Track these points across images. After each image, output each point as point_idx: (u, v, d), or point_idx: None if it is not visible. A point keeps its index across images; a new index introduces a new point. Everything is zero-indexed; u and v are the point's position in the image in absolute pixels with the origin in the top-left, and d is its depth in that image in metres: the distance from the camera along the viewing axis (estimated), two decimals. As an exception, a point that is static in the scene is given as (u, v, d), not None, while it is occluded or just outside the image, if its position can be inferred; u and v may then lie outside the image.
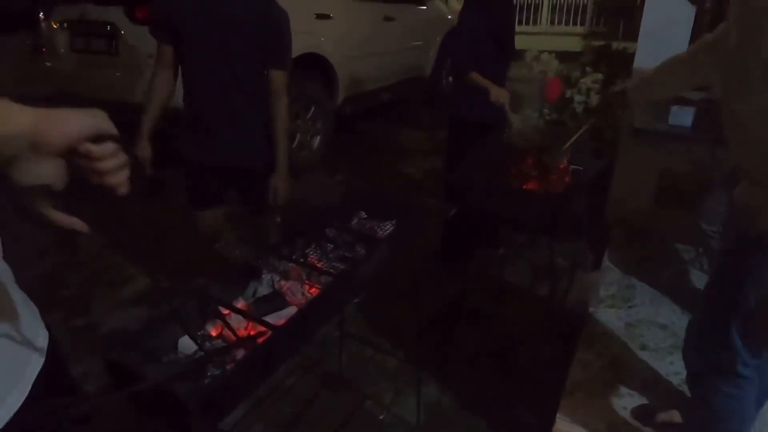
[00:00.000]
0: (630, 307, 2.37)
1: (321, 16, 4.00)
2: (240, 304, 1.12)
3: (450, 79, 6.15)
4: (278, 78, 1.85)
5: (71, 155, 0.54)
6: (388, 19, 4.79)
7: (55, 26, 3.81)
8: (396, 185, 3.88)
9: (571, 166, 2.19)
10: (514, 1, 2.62)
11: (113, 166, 0.56)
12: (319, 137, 4.22)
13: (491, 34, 2.34)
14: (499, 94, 2.22)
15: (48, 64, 3.94)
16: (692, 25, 2.69)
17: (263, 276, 1.21)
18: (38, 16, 3.93)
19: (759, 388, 1.28)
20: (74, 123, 0.53)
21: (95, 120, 0.55)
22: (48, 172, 0.53)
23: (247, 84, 1.81)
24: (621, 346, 2.05)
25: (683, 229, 2.63)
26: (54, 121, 0.52)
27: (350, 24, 4.32)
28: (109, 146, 0.55)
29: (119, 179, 0.58)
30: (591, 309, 2.34)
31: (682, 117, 2.26)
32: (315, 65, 4.03)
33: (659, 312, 2.32)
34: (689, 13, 2.62)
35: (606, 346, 2.05)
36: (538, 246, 2.51)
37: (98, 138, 0.54)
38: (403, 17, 4.97)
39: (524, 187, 1.91)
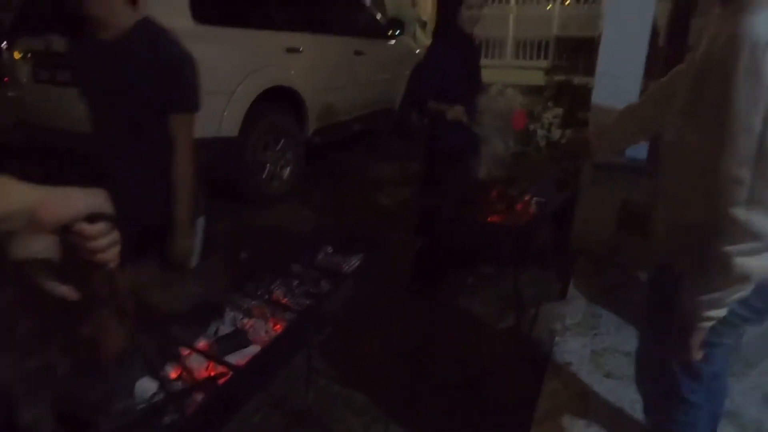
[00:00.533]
0: (595, 335, 2.41)
1: (291, 50, 4.07)
2: (201, 343, 1.10)
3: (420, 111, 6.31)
4: (178, 122, 1.69)
5: (64, 232, 0.55)
6: (358, 53, 4.89)
7: (18, 57, 3.76)
8: (367, 216, 3.89)
9: (535, 199, 2.25)
10: (479, 39, 2.73)
11: (103, 245, 0.57)
12: (289, 168, 4.23)
13: (457, 69, 2.42)
14: (454, 112, 2.29)
15: (10, 94, 3.87)
16: (644, 62, 2.85)
17: (226, 314, 1.19)
18: (1, 46, 3.88)
19: (710, 414, 1.32)
20: (74, 202, 0.54)
21: (94, 200, 0.56)
22: (43, 246, 0.54)
23: (147, 132, 1.67)
24: (587, 375, 2.08)
25: (645, 257, 2.72)
26: (54, 199, 0.53)
27: (320, 58, 4.40)
28: (101, 226, 0.56)
29: (108, 256, 0.59)
30: (557, 338, 2.37)
31: (638, 150, 2.36)
32: (285, 98, 4.07)
33: (624, 339, 2.37)
34: (643, 50, 2.77)
35: (573, 375, 2.07)
36: (506, 276, 2.55)
37: (93, 217, 0.55)
38: (372, 51, 5.09)
39: (490, 219, 1.95)
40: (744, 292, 0.99)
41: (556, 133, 2.85)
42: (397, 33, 5.56)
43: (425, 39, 9.38)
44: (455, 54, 2.43)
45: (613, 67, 2.79)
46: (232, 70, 3.59)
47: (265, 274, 1.33)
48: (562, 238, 2.69)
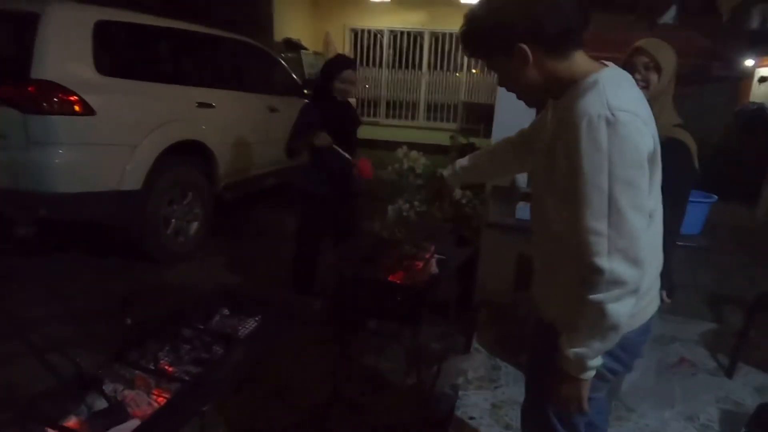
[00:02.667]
0: (496, 387, 2.50)
1: (203, 105, 4.04)
2: (71, 421, 1.01)
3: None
4: None
5: None
6: (272, 110, 4.96)
7: None
8: (275, 272, 3.83)
9: (437, 256, 2.36)
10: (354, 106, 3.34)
11: None
12: (197, 223, 4.09)
13: (324, 124, 2.79)
14: (320, 138, 2.68)
15: None
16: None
17: (105, 386, 1.11)
18: None
19: None
20: None
21: None
22: None
23: None
24: (488, 428, 2.13)
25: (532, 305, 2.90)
26: None
27: (233, 113, 4.40)
28: None
29: None
30: (461, 392, 2.43)
31: (526, 212, 2.57)
32: (195, 152, 4.00)
33: (521, 391, 2.47)
34: (531, 113, 3.06)
35: (475, 430, 2.12)
36: (409, 332, 2.59)
37: None
38: (287, 109, 5.17)
39: (391, 277, 2.01)
40: (617, 339, 1.08)
41: (458, 193, 3.04)
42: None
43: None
44: (325, 113, 2.85)
45: (505, 131, 3.06)
46: (138, 123, 3.49)
47: (152, 340, 1.26)
48: (465, 293, 2.81)
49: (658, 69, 1.85)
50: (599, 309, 1.03)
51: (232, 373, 1.22)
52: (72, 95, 3.08)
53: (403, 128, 10.28)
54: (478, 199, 3.10)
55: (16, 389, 2.26)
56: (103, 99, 3.25)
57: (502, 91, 3.39)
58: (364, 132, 9.88)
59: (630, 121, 0.99)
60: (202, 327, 1.34)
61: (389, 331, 2.67)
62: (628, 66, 1.86)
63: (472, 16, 1.13)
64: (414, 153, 3.25)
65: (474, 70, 10.34)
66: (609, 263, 1.00)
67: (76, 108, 3.11)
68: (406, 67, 10.47)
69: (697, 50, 2.20)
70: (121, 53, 3.58)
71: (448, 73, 10.39)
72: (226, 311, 1.44)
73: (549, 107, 1.23)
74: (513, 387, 2.51)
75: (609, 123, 0.98)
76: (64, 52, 3.16)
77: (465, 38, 1.16)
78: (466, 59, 10.27)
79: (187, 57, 4.21)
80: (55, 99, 3.03)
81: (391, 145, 4.38)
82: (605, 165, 0.98)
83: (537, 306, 1.35)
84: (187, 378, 1.14)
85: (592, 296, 1.02)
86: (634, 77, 1.80)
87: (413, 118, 10.66)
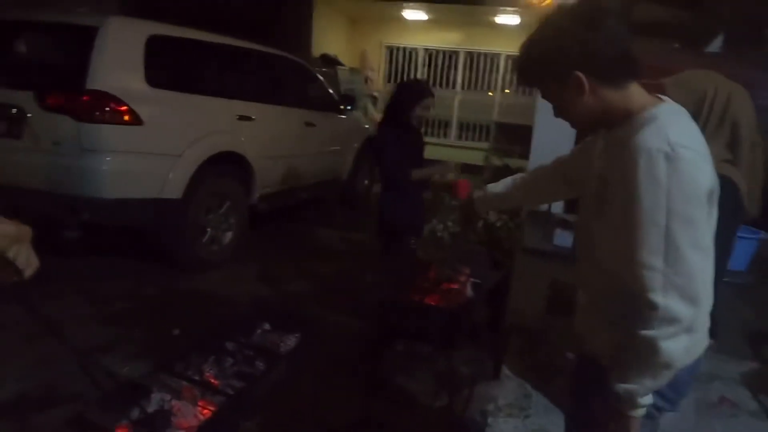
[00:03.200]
0: (526, 416, 2.45)
1: (243, 118, 4.15)
2: (121, 427, 1.04)
3: (366, 182, 6.50)
4: None
5: None
6: (309, 124, 5.05)
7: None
8: (307, 285, 3.86)
9: (471, 279, 2.35)
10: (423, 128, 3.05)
11: None
12: (231, 233, 4.17)
13: (407, 150, 2.75)
14: (446, 167, 2.65)
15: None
16: (573, 147, 3.11)
17: (153, 395, 1.14)
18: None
19: None
20: None
21: None
22: None
23: None
24: (518, 458, 2.09)
25: (571, 337, 2.84)
26: None
27: (272, 127, 4.50)
28: None
29: None
30: (490, 419, 2.39)
31: (564, 239, 2.54)
32: (234, 163, 4.10)
33: (552, 421, 2.42)
34: (570, 140, 3.04)
35: (504, 459, 2.08)
36: (441, 355, 2.57)
37: None
38: (323, 124, 5.27)
39: (426, 300, 2.01)
40: (669, 377, 1.05)
41: (493, 216, 3.02)
42: (348, 108, 5.81)
43: (375, 113, 9.83)
44: (402, 138, 2.75)
45: (544, 154, 3.04)
46: (182, 134, 3.61)
47: (197, 352, 1.30)
48: (496, 317, 2.78)
49: (694, 103, 1.80)
50: (651, 346, 1.00)
51: (274, 390, 1.23)
52: (123, 105, 3.22)
53: (435, 146, 10.32)
54: (513, 223, 3.08)
55: (55, 390, 2.34)
56: (151, 110, 3.38)
57: (541, 113, 3.38)
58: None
59: (691, 158, 0.99)
60: (244, 341, 1.37)
61: (419, 352, 2.66)
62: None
63: (528, 44, 1.13)
64: (450, 174, 3.25)
65: (507, 90, 10.32)
66: (664, 299, 0.98)
67: (126, 118, 3.23)
68: (440, 85, 10.52)
69: (744, 80, 2.16)
70: (169, 66, 3.72)
71: (481, 92, 10.40)
72: (267, 326, 1.46)
73: (598, 136, 1.22)
74: (543, 416, 2.45)
75: (669, 159, 0.97)
76: (118, 64, 3.31)
77: (520, 66, 1.16)
78: (499, 79, 10.26)
79: (230, 71, 4.34)
80: (107, 109, 3.17)
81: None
82: (663, 201, 0.97)
83: (581, 339, 1.32)
84: (231, 392, 1.16)
85: (644, 332, 1.00)
86: None
87: (445, 136, 10.67)
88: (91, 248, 3.96)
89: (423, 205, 2.78)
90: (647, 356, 1.02)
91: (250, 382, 1.21)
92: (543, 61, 1.10)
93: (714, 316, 1.79)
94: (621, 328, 1.06)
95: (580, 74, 1.06)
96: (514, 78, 1.18)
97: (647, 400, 1.08)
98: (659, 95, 1.14)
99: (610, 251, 1.10)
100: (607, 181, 1.08)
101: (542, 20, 1.13)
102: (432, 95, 2.84)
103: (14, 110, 3.26)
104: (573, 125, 1.20)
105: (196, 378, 1.22)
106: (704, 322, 1.23)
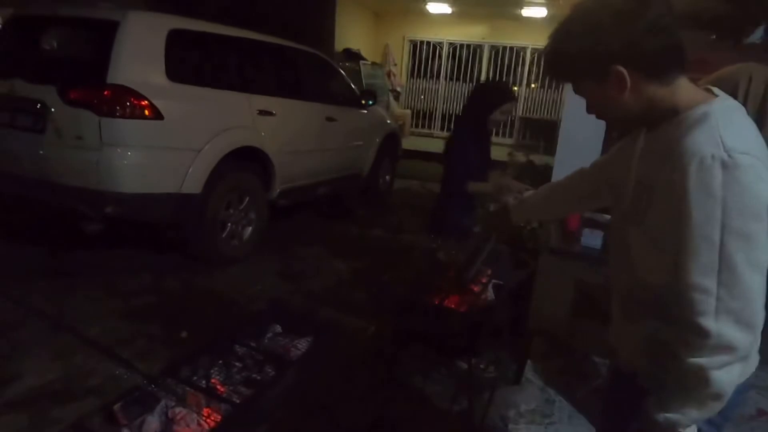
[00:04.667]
0: (549, 423, 2.37)
1: (263, 113, 4.12)
2: (123, 435, 1.00)
3: (387, 177, 6.43)
4: None
5: None
6: (330, 119, 5.00)
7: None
8: (325, 282, 3.82)
9: (493, 281, 2.26)
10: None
11: None
12: (251, 228, 4.15)
13: (480, 154, 2.71)
14: (500, 186, 2.51)
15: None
16: (601, 147, 2.98)
17: (157, 402, 1.10)
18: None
19: None
20: None
21: None
22: None
23: None
24: (539, 468, 2.01)
25: (601, 342, 2.73)
26: None
27: (292, 122, 4.46)
28: None
29: None
30: (511, 425, 2.31)
31: (593, 239, 2.43)
32: (254, 158, 4.07)
33: (576, 429, 2.33)
34: (600, 136, 2.92)
35: (525, 468, 2.00)
36: (461, 358, 2.49)
37: None
38: (344, 119, 5.21)
39: (447, 302, 1.93)
40: (719, 408, 0.94)
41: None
42: (370, 102, 5.74)
43: (397, 108, 9.74)
44: (480, 144, 2.74)
45: (571, 150, 2.93)
46: (202, 128, 3.59)
47: (205, 356, 1.25)
48: (518, 319, 2.68)
49: (743, 97, 1.67)
50: (700, 375, 0.90)
51: (283, 398, 1.18)
52: (143, 100, 3.21)
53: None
54: (536, 222, 2.97)
55: (73, 384, 2.35)
56: (172, 104, 3.37)
57: (569, 108, 3.25)
58: (418, 143, 9.83)
59: (750, 166, 0.87)
60: (253, 345, 1.32)
61: (440, 355, 2.59)
62: None
63: (560, 36, 1.01)
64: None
65: (533, 85, 10.10)
66: (716, 325, 0.88)
67: (147, 112, 3.23)
68: (464, 80, 10.37)
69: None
70: (190, 60, 3.70)
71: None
72: (278, 328, 1.41)
73: (638, 134, 1.10)
74: (567, 424, 2.36)
75: (725, 166, 0.86)
76: (138, 59, 3.30)
77: (551, 61, 1.05)
78: (525, 73, 10.04)
79: (251, 65, 4.30)
80: (127, 103, 3.17)
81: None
82: (718, 215, 0.86)
83: (615, 352, 1.22)
84: (237, 400, 1.11)
85: (692, 360, 0.90)
86: None
87: (468, 131, 10.52)
88: (112, 242, 3.99)
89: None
90: (695, 386, 0.92)
91: (257, 390, 1.16)
92: (579, 55, 0.98)
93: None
94: (664, 350, 0.95)
95: (622, 68, 0.94)
96: (541, 72, 1.05)
97: (691, 431, 0.97)
98: (711, 89, 1.02)
99: (651, 265, 0.99)
100: (648, 188, 0.97)
101: (576, 9, 1.00)
102: (514, 99, 2.71)
103: (38, 105, 3.29)
104: (611, 125, 1.09)
105: (202, 384, 1.18)
106: (758, 344, 1.12)
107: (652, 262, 0.98)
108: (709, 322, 0.88)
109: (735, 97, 1.68)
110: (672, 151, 0.91)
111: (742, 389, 1.12)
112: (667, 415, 0.95)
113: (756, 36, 3.12)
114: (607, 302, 1.34)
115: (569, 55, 1.00)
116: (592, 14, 0.97)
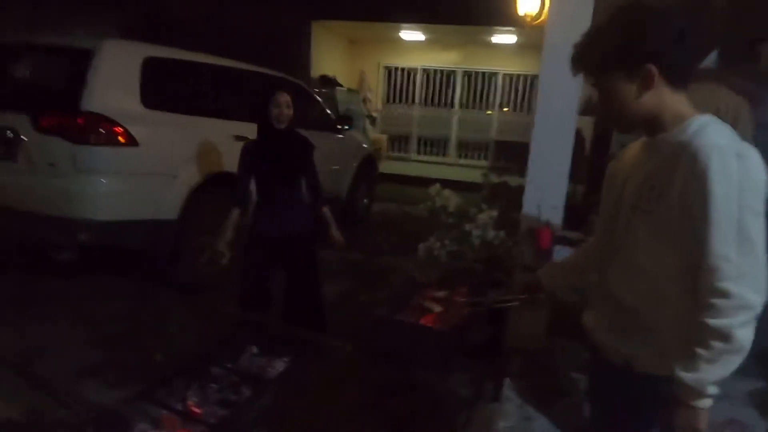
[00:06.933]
0: (528, 440, 2.38)
1: (239, 138, 4.14)
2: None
3: (365, 201, 6.47)
4: None
5: None
6: (306, 144, 5.04)
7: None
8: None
9: (468, 299, 2.30)
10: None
11: None
12: (229, 254, 4.12)
13: (266, 159, 2.85)
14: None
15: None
16: (569, 168, 3.07)
17: (133, 426, 1.09)
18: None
19: None
20: None
21: None
22: None
23: None
24: (518, 486, 2.01)
25: (577, 358, 2.77)
26: None
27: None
28: None
29: None
30: (490, 444, 2.31)
31: (563, 255, 2.49)
32: (230, 183, 4.07)
33: (554, 446, 2.34)
34: (567, 157, 3.00)
35: (504, 486, 2.00)
36: (438, 377, 2.50)
37: None
38: (321, 143, 5.24)
39: (422, 320, 1.96)
40: (738, 363, 1.06)
41: (490, 234, 2.98)
42: (346, 127, 5.82)
43: (373, 133, 9.87)
44: (266, 146, 2.83)
45: (541, 172, 3.01)
46: (178, 154, 3.59)
47: (180, 378, 1.24)
48: (495, 337, 2.71)
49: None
50: (726, 334, 1.03)
51: (260, 418, 1.18)
52: (118, 127, 3.21)
53: (434, 164, 10.33)
54: (510, 240, 3.03)
55: (41, 415, 2.28)
56: (147, 131, 3.37)
57: (538, 128, 3.34)
58: (395, 167, 9.94)
59: (756, 157, 1.05)
60: (230, 366, 1.32)
61: (415, 374, 2.59)
62: None
63: (601, 29, 1.13)
64: (447, 191, 3.22)
65: (505, 109, 10.37)
66: (738, 288, 1.01)
67: (121, 139, 3.23)
68: (438, 104, 10.59)
69: (743, 95, 2.17)
70: (165, 87, 3.72)
71: (479, 111, 10.46)
72: (255, 350, 1.41)
73: (625, 152, 1.27)
74: (546, 441, 2.38)
75: (740, 156, 1.02)
76: (113, 86, 3.31)
77: (585, 47, 1.14)
78: (498, 97, 10.31)
79: (226, 91, 4.34)
80: (102, 130, 3.16)
81: (422, 182, 4.37)
82: (735, 195, 1.01)
83: (604, 346, 1.30)
84: (213, 421, 1.10)
85: (717, 321, 1.03)
86: None
87: (444, 154, 10.71)
88: (86, 270, 3.91)
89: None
90: (720, 345, 1.03)
91: (233, 410, 1.16)
92: (619, 48, 1.09)
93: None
94: (679, 326, 1.08)
95: (653, 68, 1.07)
96: (570, 67, 1.16)
97: (715, 390, 1.08)
98: None
99: (654, 255, 1.12)
100: (660, 182, 1.10)
101: (621, 8, 1.12)
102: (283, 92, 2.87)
103: (9, 133, 3.25)
104: (618, 123, 1.20)
105: (178, 406, 1.17)
106: None
107: (655, 251, 1.12)
108: (731, 285, 1.01)
109: None
110: (688, 147, 1.05)
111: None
112: (694, 375, 1.06)
113: (709, 60, 3.30)
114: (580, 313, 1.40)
115: (609, 46, 1.10)
116: (638, 12, 1.09)
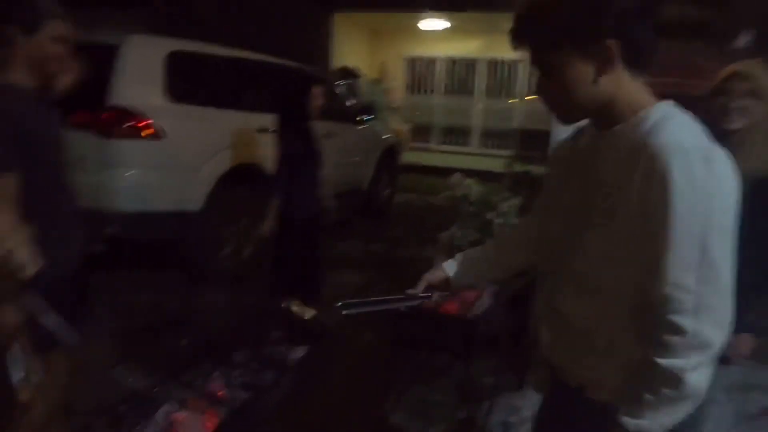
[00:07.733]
0: (552, 429, 2.36)
1: (261, 130, 4.18)
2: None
3: (387, 191, 6.47)
4: None
5: None
6: (327, 135, 5.06)
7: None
8: (326, 296, 3.83)
9: (490, 287, 2.28)
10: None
11: None
12: (253, 244, 4.18)
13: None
14: None
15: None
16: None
17: (159, 407, 1.12)
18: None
19: None
20: None
21: None
22: None
23: None
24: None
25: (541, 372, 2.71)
26: None
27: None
28: None
29: None
30: (512, 431, 2.31)
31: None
32: (253, 175, 4.12)
33: (579, 435, 2.32)
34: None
35: (528, 474, 1.99)
36: (461, 365, 2.50)
37: None
38: (342, 135, 5.28)
39: (442, 310, 1.95)
40: (691, 409, 0.90)
41: (513, 222, 2.95)
42: (367, 118, 5.82)
43: (396, 124, 9.84)
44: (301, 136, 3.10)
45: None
46: (202, 146, 3.66)
47: (205, 362, 1.27)
48: (519, 325, 2.69)
49: (759, 95, 1.63)
50: (674, 377, 0.87)
51: (283, 402, 1.20)
52: (144, 120, 3.28)
53: (456, 154, 10.25)
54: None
55: (72, 402, 2.36)
56: (172, 124, 3.44)
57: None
58: (418, 158, 9.88)
59: (725, 159, 0.86)
60: (253, 352, 1.34)
61: (440, 362, 2.59)
62: (721, 93, 1.66)
63: None
64: (469, 180, 3.19)
65: (528, 97, 10.20)
66: (694, 323, 0.85)
67: (148, 132, 3.30)
68: (461, 93, 10.48)
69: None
70: (189, 81, 3.78)
71: (502, 100, 10.32)
72: (277, 336, 1.44)
73: (577, 140, 1.05)
74: (570, 430, 2.35)
75: (707, 160, 0.84)
76: (139, 81, 3.38)
77: (531, 18, 0.93)
78: (521, 86, 10.15)
79: (248, 84, 4.39)
80: (128, 124, 3.23)
81: (445, 171, 4.34)
82: (700, 210, 0.83)
83: (559, 368, 1.11)
84: (237, 404, 1.13)
85: (667, 362, 0.86)
86: (729, 105, 1.63)
87: (467, 144, 10.61)
88: (114, 262, 4.01)
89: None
90: (668, 389, 0.88)
91: (255, 394, 1.18)
92: (572, 20, 0.88)
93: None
94: (631, 356, 0.92)
95: (614, 44, 0.87)
96: (511, 41, 0.95)
97: None
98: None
99: (616, 268, 0.93)
100: (612, 187, 0.91)
101: None
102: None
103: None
104: (567, 112, 0.98)
105: (203, 389, 1.20)
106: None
107: (607, 262, 0.94)
108: (685, 321, 0.85)
109: (752, 93, 1.65)
110: (646, 147, 0.87)
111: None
112: (637, 422, 0.91)
113: (743, 41, 3.18)
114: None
115: (559, 18, 0.89)
116: None
